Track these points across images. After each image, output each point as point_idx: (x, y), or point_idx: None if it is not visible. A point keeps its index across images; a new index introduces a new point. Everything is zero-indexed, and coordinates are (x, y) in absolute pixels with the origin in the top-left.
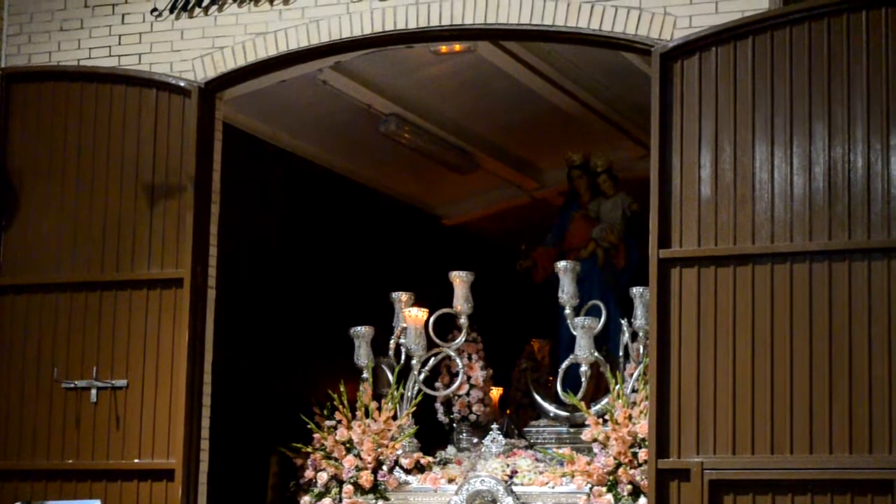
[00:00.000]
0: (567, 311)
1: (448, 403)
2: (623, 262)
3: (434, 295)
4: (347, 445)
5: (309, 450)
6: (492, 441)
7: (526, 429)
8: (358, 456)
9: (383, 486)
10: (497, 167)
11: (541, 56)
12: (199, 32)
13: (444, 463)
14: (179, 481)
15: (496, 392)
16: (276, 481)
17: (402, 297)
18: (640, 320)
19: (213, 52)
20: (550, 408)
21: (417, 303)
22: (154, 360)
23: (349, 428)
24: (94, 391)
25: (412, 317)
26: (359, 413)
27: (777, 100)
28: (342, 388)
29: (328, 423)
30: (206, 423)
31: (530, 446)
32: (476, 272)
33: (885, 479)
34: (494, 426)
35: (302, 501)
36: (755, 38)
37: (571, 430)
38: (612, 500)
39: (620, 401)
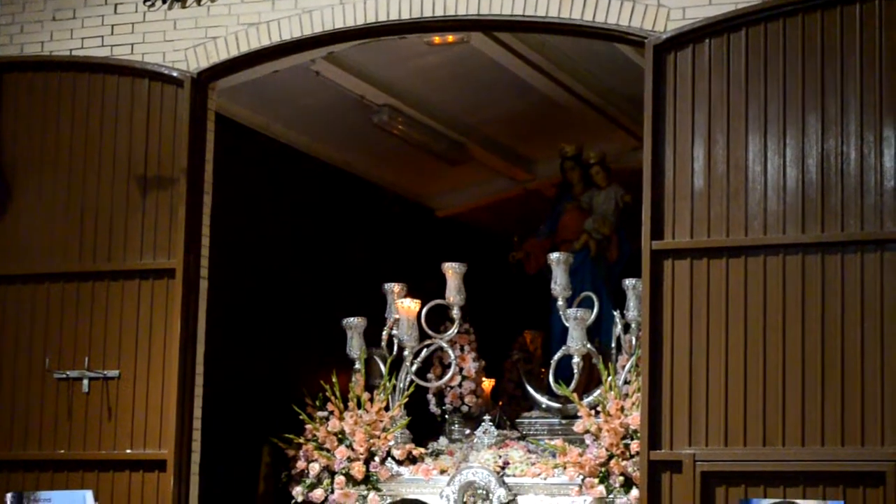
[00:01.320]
0: (559, 302)
1: (440, 395)
2: (615, 254)
3: (426, 286)
4: (339, 436)
5: (301, 441)
6: (484, 432)
7: (518, 420)
8: (350, 447)
9: (375, 477)
10: (490, 158)
11: (534, 47)
12: (191, 22)
13: (437, 454)
14: (171, 472)
15: (488, 383)
16: (268, 472)
17: (394, 288)
18: (632, 312)
19: (206, 43)
20: (543, 399)
21: (410, 294)
22: (146, 351)
23: (341, 419)
24: (86, 381)
25: (404, 308)
26: (351, 404)
27: (770, 92)
28: (334, 379)
29: (320, 413)
30: (198, 413)
31: (522, 437)
32: (468, 263)
33: (877, 472)
34: (486, 417)
35: (294, 492)
36: (749, 30)
37: (563, 421)
38: (604, 492)
39: (612, 392)
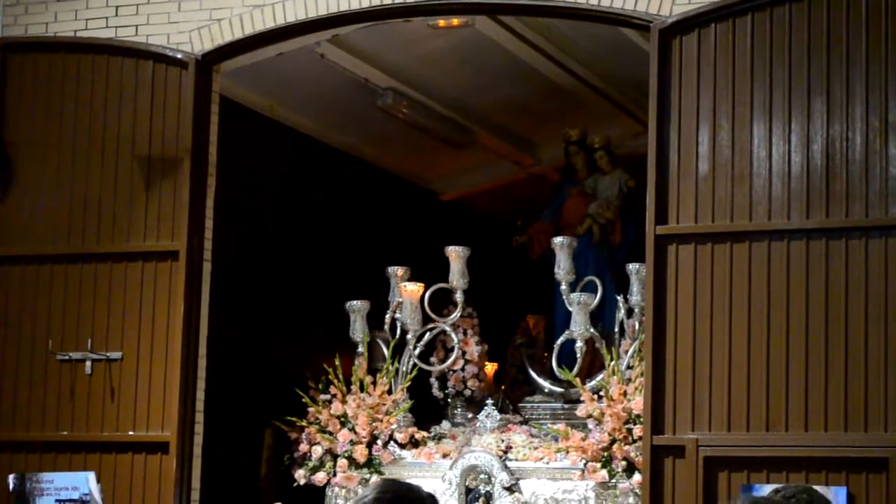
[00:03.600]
0: (563, 286)
1: (443, 378)
2: (619, 239)
3: (430, 270)
4: (342, 419)
5: (303, 423)
6: (486, 416)
7: (521, 404)
8: (352, 430)
9: (378, 461)
10: (494, 142)
11: (539, 31)
12: (196, 4)
13: (439, 438)
14: (174, 454)
15: (491, 367)
16: (271, 455)
17: (397, 271)
18: (635, 297)
19: (211, 24)
20: (545, 383)
21: (413, 277)
22: (149, 333)
23: (344, 402)
24: (88, 363)
25: (408, 291)
26: (354, 387)
27: (776, 77)
28: (337, 363)
29: (323, 397)
30: (200, 395)
31: (525, 422)
32: (472, 247)
33: (880, 457)
34: (489, 401)
35: (296, 475)
36: (754, 15)
37: (566, 405)
38: (607, 476)
39: (615, 377)
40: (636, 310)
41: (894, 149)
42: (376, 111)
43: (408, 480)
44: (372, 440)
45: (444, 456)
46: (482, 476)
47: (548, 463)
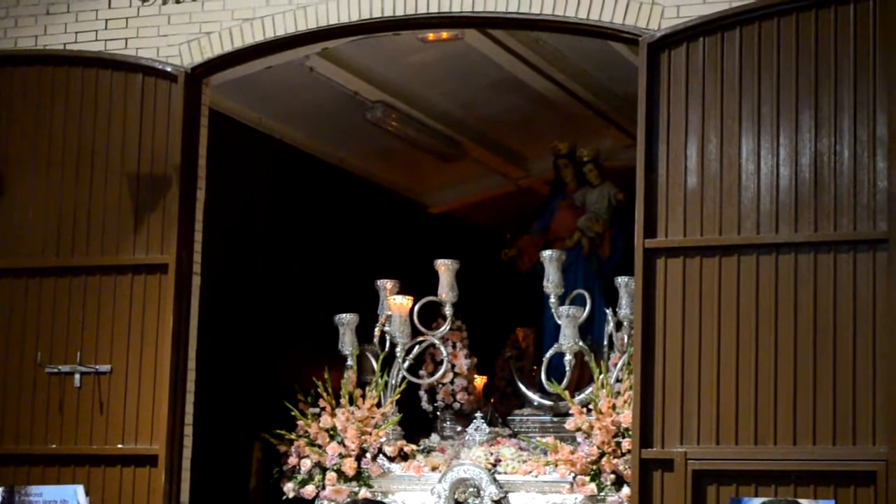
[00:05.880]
0: (552, 300)
1: (432, 391)
2: (608, 252)
3: (419, 283)
4: (331, 433)
5: (293, 437)
6: (475, 429)
7: (510, 417)
8: (341, 443)
9: (367, 474)
10: (483, 155)
11: (528, 45)
12: (185, 17)
13: (428, 451)
14: (163, 467)
15: (480, 380)
16: (260, 468)
17: (387, 284)
18: (624, 310)
19: (200, 38)
20: (534, 397)
21: (402, 290)
22: (138, 346)
23: (333, 415)
24: (77, 376)
25: (397, 304)
26: (343, 400)
27: (764, 91)
28: (326, 376)
29: (312, 410)
30: (189, 409)
31: (514, 435)
32: (461, 260)
33: (868, 471)
34: (478, 414)
35: (285, 488)
36: (743, 29)
37: (555, 419)
38: (596, 490)
39: (604, 390)
40: (625, 323)
41: (882, 162)
42: (366, 124)
43: (397, 493)
44: (361, 453)
45: (434, 469)
46: (471, 489)
47: (537, 476)
